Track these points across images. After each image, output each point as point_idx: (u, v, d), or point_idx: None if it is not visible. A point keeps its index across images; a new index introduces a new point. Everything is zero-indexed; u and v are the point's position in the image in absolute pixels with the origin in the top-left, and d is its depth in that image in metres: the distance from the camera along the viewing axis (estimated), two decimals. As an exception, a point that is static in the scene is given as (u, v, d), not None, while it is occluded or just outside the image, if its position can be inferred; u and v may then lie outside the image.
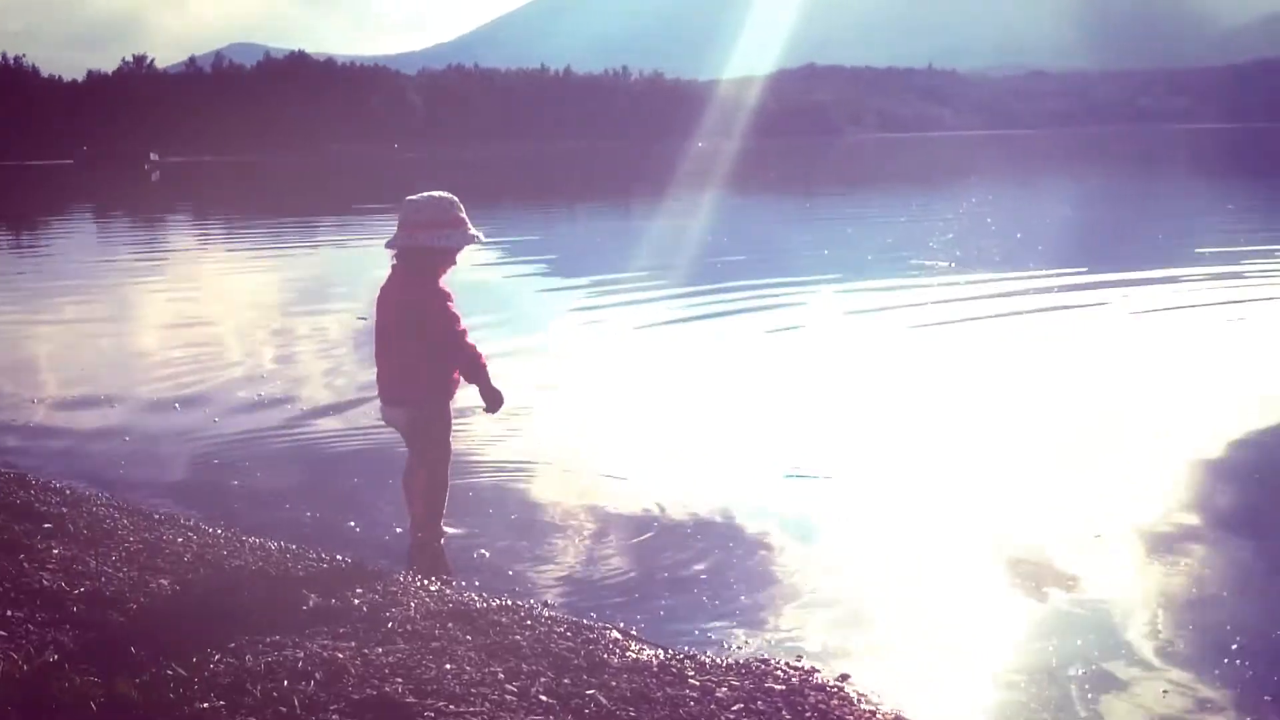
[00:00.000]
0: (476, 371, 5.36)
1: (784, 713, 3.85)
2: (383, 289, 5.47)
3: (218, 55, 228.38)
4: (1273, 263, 16.88)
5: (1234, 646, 4.41)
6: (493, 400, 5.43)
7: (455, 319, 5.32)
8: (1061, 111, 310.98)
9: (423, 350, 5.32)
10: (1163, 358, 10.16)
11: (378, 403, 5.71)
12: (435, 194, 5.33)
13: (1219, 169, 54.26)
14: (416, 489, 5.65)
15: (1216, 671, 4.25)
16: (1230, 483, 6.56)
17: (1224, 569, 5.22)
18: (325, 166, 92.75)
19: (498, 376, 5.53)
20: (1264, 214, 27.97)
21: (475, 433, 7.55)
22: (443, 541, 5.68)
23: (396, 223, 5.34)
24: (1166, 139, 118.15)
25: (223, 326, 13.29)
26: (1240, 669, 4.26)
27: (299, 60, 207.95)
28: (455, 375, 5.45)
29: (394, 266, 5.41)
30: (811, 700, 3.96)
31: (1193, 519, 5.93)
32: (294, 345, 11.82)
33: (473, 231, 5.34)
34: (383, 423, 5.79)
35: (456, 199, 5.34)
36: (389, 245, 5.37)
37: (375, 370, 5.59)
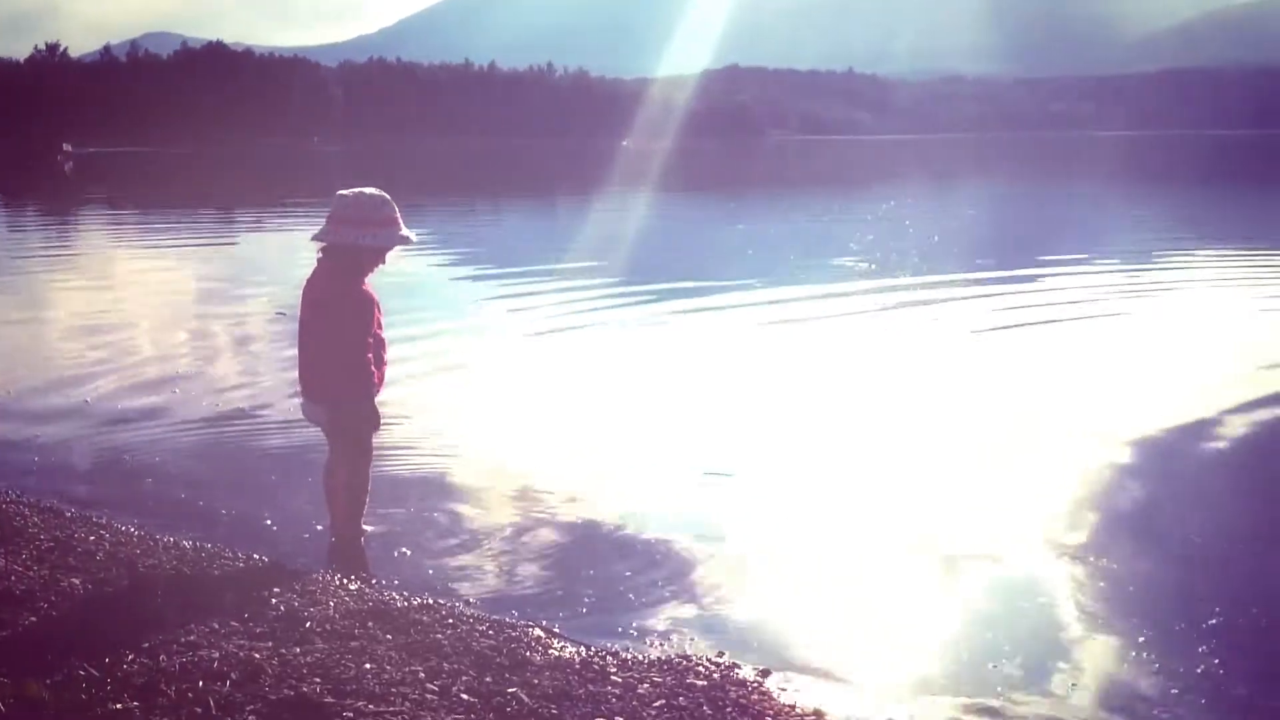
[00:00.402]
0: (364, 385, 5.28)
1: (705, 708, 3.88)
2: (307, 283, 5.37)
3: (133, 44, 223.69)
4: (1176, 262, 17.41)
5: (1141, 640, 4.54)
6: (370, 419, 5.37)
7: (369, 325, 5.26)
8: (978, 116, 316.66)
9: (343, 348, 5.23)
10: (1073, 356, 10.41)
11: (299, 399, 5.64)
12: (368, 191, 5.21)
13: (1129, 175, 55.64)
14: (337, 487, 5.58)
15: (1127, 664, 4.37)
16: (1133, 478, 6.74)
17: (1131, 564, 5.36)
18: (243, 158, 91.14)
19: (411, 382, 5.49)
20: (1169, 219, 28.75)
21: (397, 431, 7.49)
22: (363, 540, 5.63)
23: (326, 217, 5.22)
24: (1078, 145, 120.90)
25: (136, 321, 13.00)
26: (1149, 662, 4.38)
27: (217, 50, 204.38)
28: (380, 373, 5.40)
29: (319, 261, 5.30)
30: (732, 696, 4.00)
31: (1099, 515, 6.09)
32: (210, 340, 11.61)
33: (404, 232, 5.23)
34: (303, 419, 5.71)
35: (389, 197, 5.23)
36: (315, 239, 5.26)
37: (295, 366, 5.50)
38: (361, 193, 5.19)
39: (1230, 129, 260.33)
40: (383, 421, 5.51)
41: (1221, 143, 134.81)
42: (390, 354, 5.65)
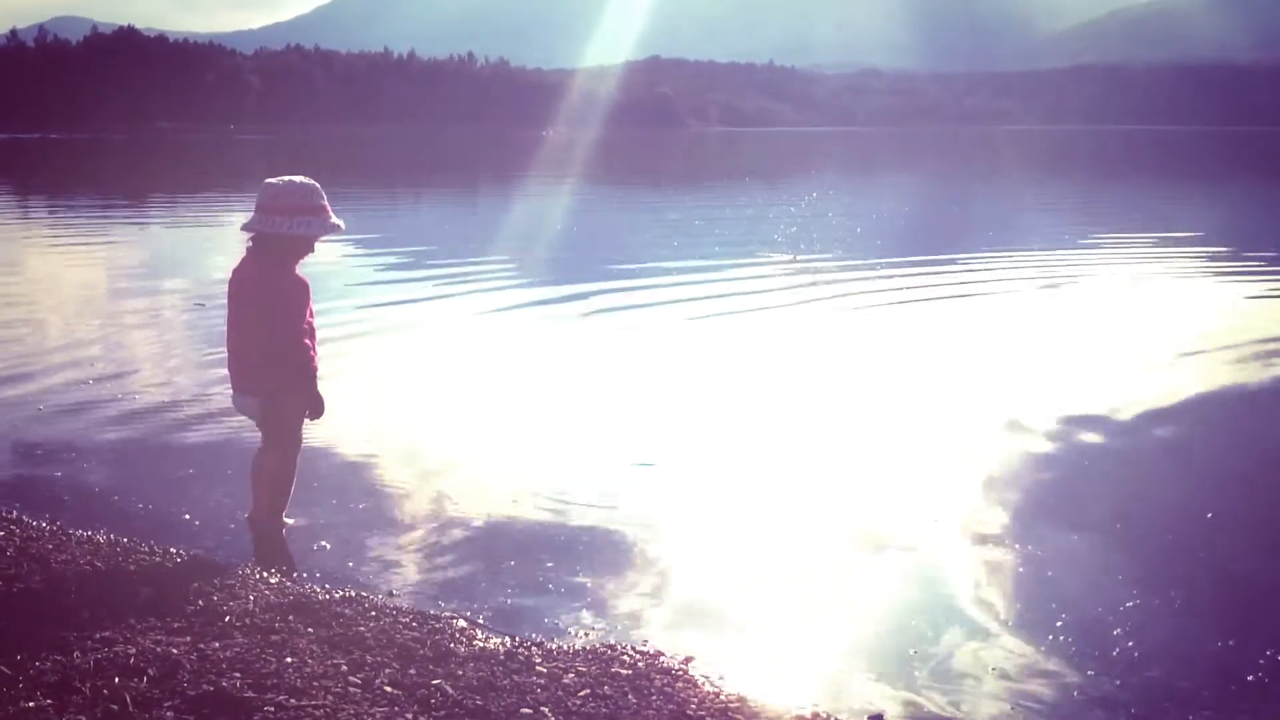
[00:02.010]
0: (300, 375, 5.26)
1: (630, 696, 3.90)
2: (234, 273, 5.30)
3: (41, 28, 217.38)
4: (1089, 250, 17.85)
5: (1059, 623, 4.66)
6: (315, 407, 5.37)
7: (302, 313, 5.23)
8: (895, 110, 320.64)
9: (274, 338, 5.19)
10: (994, 342, 10.65)
11: (228, 390, 5.55)
12: (296, 179, 5.18)
13: (1041, 168, 56.77)
14: (263, 476, 5.51)
15: (1045, 646, 4.48)
16: (1053, 463, 6.90)
17: (1051, 548, 5.49)
18: (155, 147, 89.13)
19: (333, 375, 5.43)
20: (1079, 210, 29.40)
21: (319, 422, 7.41)
22: (284, 531, 5.56)
23: (254, 205, 5.17)
24: (992, 139, 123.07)
25: (46, 311, 12.66)
26: (1070, 643, 4.49)
27: (128, 35, 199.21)
28: (312, 364, 5.33)
29: (248, 250, 5.24)
30: (657, 684, 4.02)
31: (1018, 500, 6.23)
32: (125, 332, 11.34)
33: (334, 220, 5.21)
34: (225, 411, 5.63)
35: (318, 186, 5.21)
36: (244, 228, 5.20)
37: (222, 356, 5.39)
38: (291, 181, 5.16)
39: (1140, 124, 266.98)
40: (325, 408, 5.44)
41: (1131, 138, 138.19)
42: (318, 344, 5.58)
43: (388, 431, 7.46)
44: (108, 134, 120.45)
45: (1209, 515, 5.99)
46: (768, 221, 24.14)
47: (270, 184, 5.15)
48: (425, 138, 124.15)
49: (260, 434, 5.52)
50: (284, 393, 5.30)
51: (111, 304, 13.13)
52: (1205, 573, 5.28)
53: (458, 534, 5.69)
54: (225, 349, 5.47)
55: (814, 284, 14.62)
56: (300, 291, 5.24)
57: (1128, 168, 60.59)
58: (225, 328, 5.41)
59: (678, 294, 13.87)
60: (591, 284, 14.53)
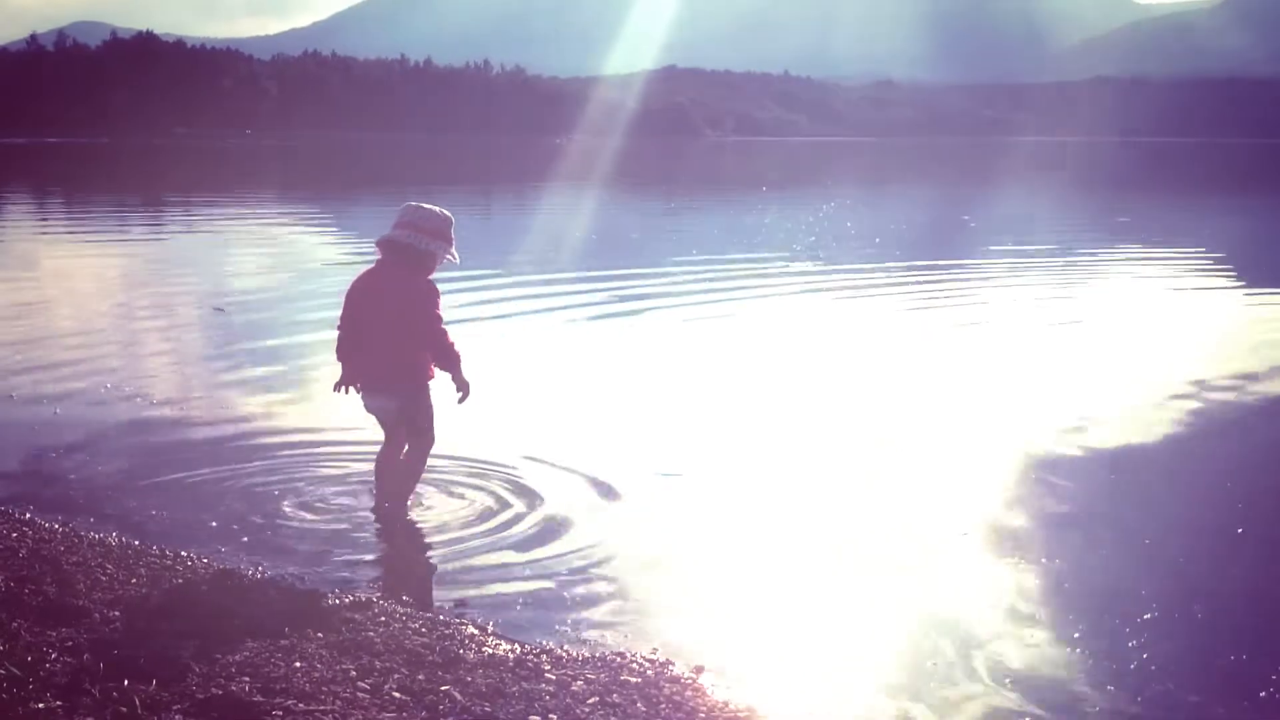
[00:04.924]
0: (453, 363, 5.79)
1: (639, 704, 3.89)
2: (364, 281, 5.85)
3: (60, 33, 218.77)
4: (1116, 262, 17.79)
5: (1076, 635, 4.63)
6: (464, 389, 5.83)
7: (440, 315, 5.77)
8: (910, 120, 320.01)
9: (414, 340, 5.72)
10: (1014, 355, 10.62)
11: (360, 394, 5.89)
12: (440, 210, 5.84)
13: (1061, 180, 56.62)
14: (392, 470, 6.03)
15: (1063, 661, 4.45)
16: (1066, 476, 6.85)
17: (1065, 562, 5.45)
18: (172, 151, 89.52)
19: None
20: (1102, 221, 29.31)
21: (331, 428, 7.45)
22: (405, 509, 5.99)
23: (396, 222, 5.73)
24: (1009, 150, 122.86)
25: (66, 315, 12.70)
26: (1084, 659, 4.46)
27: (147, 40, 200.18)
28: (432, 365, 5.85)
29: (381, 260, 5.80)
30: (666, 692, 4.01)
31: (1032, 512, 6.19)
32: (143, 335, 11.37)
33: (455, 253, 5.82)
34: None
35: (454, 220, 5.85)
36: (389, 240, 5.72)
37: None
38: (436, 210, 5.83)
39: (1158, 136, 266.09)
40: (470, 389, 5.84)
41: (1157, 150, 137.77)
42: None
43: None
44: (123, 138, 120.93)
45: (1237, 530, 5.95)
46: (786, 231, 24.13)
47: (423, 207, 5.81)
48: (438, 145, 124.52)
49: (384, 433, 6.00)
50: (419, 393, 5.87)
51: (130, 307, 13.19)
52: (1223, 587, 5.25)
53: (469, 540, 5.68)
54: (336, 355, 5.93)
55: (832, 293, 14.61)
56: (437, 292, 5.81)
57: (1146, 180, 60.35)
58: (341, 334, 5.88)
59: (695, 302, 13.86)
60: (613, 292, 14.53)
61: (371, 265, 5.90)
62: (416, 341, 5.74)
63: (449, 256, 5.81)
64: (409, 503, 6.04)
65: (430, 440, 6.00)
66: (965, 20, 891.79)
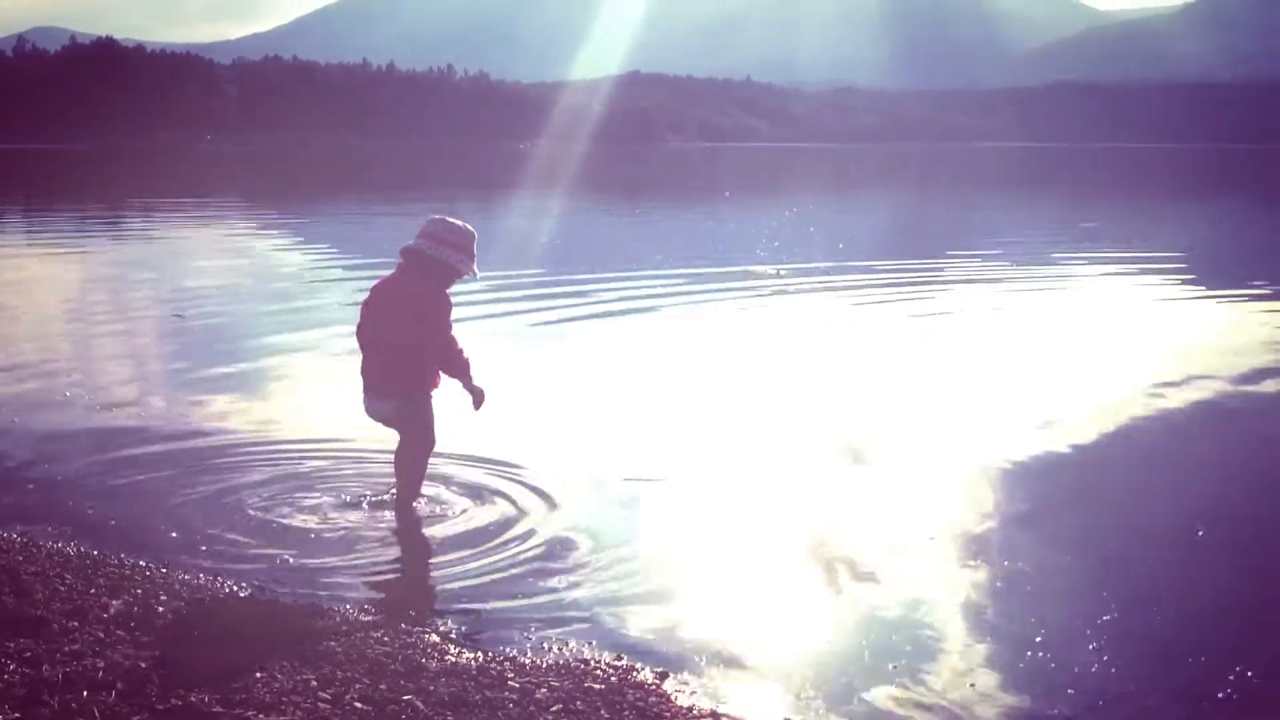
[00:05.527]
0: (461, 371, 6.03)
1: (602, 711, 3.89)
2: (384, 287, 6.03)
3: (20, 39, 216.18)
4: (1076, 264, 17.98)
5: (1038, 639, 4.66)
6: (477, 395, 6.07)
7: (448, 326, 5.98)
8: (872, 127, 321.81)
9: (419, 346, 5.87)
10: (977, 355, 10.74)
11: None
12: (464, 224, 6.06)
13: (1020, 184, 57.15)
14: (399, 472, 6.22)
15: (1024, 662, 4.48)
16: (1030, 478, 6.91)
17: (1028, 563, 5.49)
18: (132, 156, 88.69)
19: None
20: (1062, 225, 29.60)
21: (292, 433, 7.39)
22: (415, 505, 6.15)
23: (420, 232, 5.95)
24: (969, 156, 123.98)
25: (21, 321, 12.55)
26: (1045, 660, 4.50)
27: (106, 46, 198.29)
28: (439, 374, 6.03)
29: (401, 267, 6.00)
30: (630, 699, 4.01)
31: (995, 515, 6.23)
32: (101, 342, 11.25)
33: (475, 268, 6.03)
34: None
35: (476, 234, 6.06)
36: (413, 250, 5.93)
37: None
38: (459, 224, 6.06)
39: (1118, 142, 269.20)
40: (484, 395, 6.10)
41: (1117, 155, 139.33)
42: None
43: (369, 442, 7.36)
44: (84, 144, 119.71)
45: (1198, 533, 6.01)
46: (749, 236, 24.20)
47: (447, 220, 6.07)
48: (400, 150, 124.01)
49: (398, 433, 6.14)
50: (417, 397, 6.01)
51: (88, 314, 13.04)
52: (1184, 590, 5.31)
53: (431, 547, 5.66)
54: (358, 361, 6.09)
55: (798, 294, 14.68)
56: (450, 307, 6.01)
57: (1109, 184, 61.03)
58: (359, 338, 6.05)
59: (657, 306, 13.88)
60: (577, 297, 14.53)
61: (391, 271, 6.10)
62: (421, 349, 5.90)
63: (472, 272, 6.00)
64: (415, 505, 6.15)
65: (429, 444, 6.14)
66: (925, 28, 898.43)
